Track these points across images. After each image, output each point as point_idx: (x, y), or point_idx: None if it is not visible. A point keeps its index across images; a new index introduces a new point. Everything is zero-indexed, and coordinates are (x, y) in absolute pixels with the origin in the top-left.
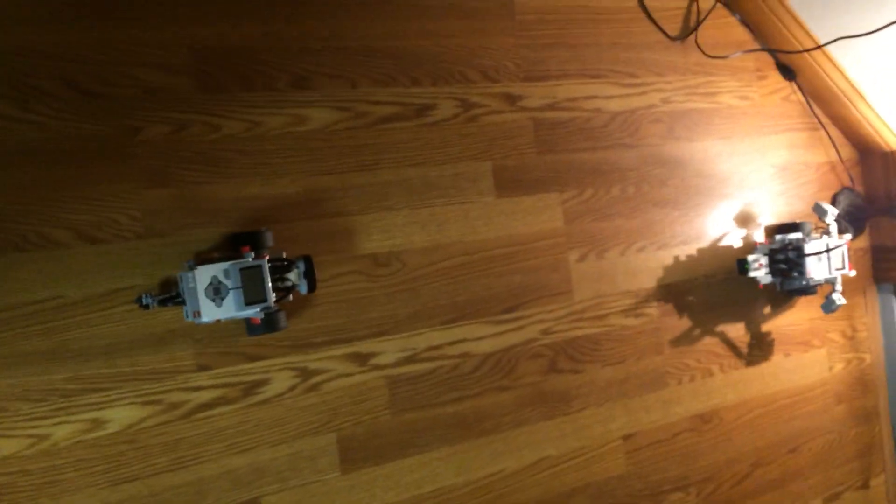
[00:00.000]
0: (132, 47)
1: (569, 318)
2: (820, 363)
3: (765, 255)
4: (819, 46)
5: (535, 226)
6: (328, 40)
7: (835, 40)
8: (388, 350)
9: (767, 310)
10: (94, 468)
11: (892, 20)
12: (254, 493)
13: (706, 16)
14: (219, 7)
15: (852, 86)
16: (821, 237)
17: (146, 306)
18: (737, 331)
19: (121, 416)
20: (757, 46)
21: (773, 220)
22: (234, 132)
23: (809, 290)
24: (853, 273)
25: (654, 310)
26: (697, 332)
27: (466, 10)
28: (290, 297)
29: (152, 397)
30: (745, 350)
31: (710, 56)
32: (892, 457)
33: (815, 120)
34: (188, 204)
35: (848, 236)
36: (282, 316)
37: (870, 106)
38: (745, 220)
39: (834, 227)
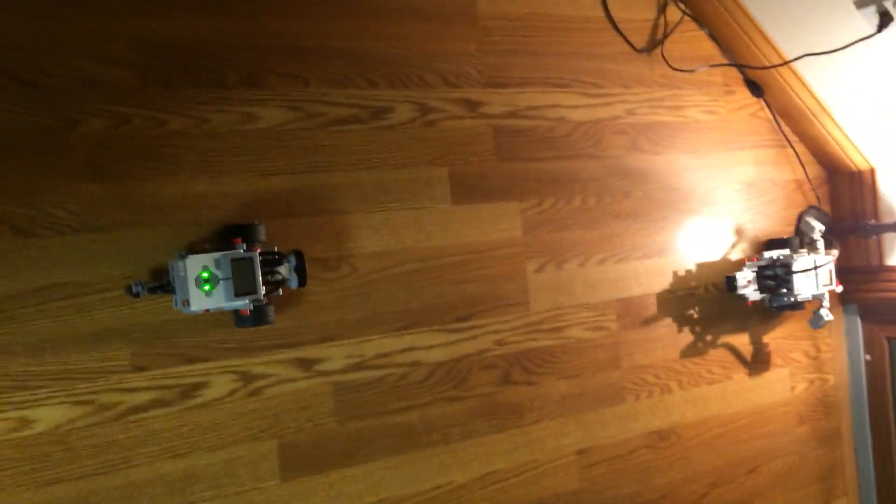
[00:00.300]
0: (75, 38)
1: (524, 329)
2: (782, 383)
3: (753, 271)
4: (786, 63)
5: (492, 234)
6: (283, 38)
7: (800, 57)
8: (335, 356)
9: (729, 327)
10: (19, 469)
11: (856, 38)
12: (188, 499)
13: (673, 28)
14: (167, 0)
15: (819, 104)
16: (808, 253)
17: (136, 294)
18: (698, 348)
19: (49, 415)
20: (724, 61)
21: (737, 237)
22: (180, 128)
23: (797, 305)
24: (840, 289)
25: (612, 323)
26: (657, 347)
27: (428, 13)
28: (280, 291)
29: (84, 397)
30: (705, 367)
31: (676, 69)
32: (854, 480)
33: (783, 137)
34: (128, 200)
35: (835, 252)
36: (270, 309)
37: (837, 125)
38: (708, 235)
39: (821, 243)
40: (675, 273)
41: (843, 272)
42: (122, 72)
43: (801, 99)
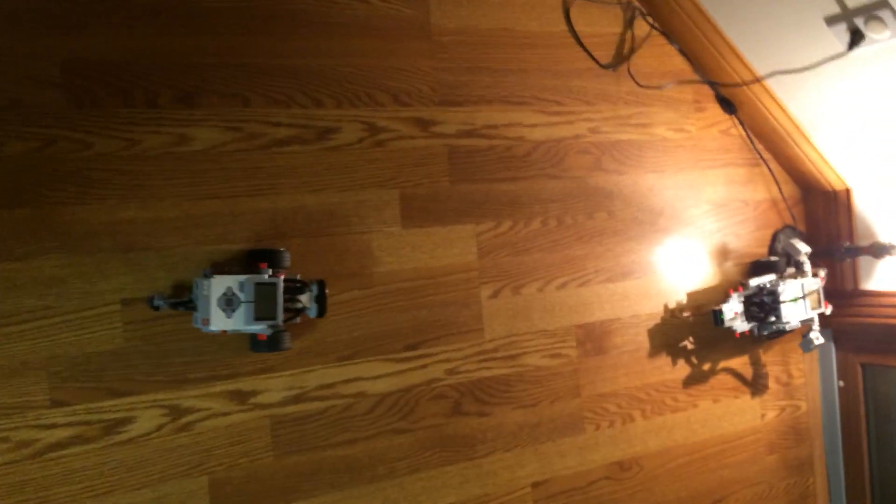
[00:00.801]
0: None
1: (478, 357)
2: (752, 410)
3: (740, 302)
4: (757, 80)
5: (444, 259)
6: (222, 56)
7: (771, 74)
8: (274, 388)
9: (695, 353)
10: None
11: (827, 57)
12: None
13: (640, 44)
14: (100, 17)
15: (793, 122)
16: (795, 276)
17: (156, 307)
18: (662, 374)
19: None
20: (695, 77)
21: (708, 259)
22: (109, 150)
23: (787, 332)
24: (829, 311)
25: (572, 350)
26: (619, 374)
27: (378, 29)
28: (298, 319)
29: None
30: (670, 395)
31: (643, 86)
32: None
33: (756, 155)
34: (52, 226)
35: (823, 273)
36: (287, 336)
37: (811, 143)
38: (676, 258)
39: (808, 266)
40: (639, 297)
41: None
42: (47, 92)
43: (774, 117)
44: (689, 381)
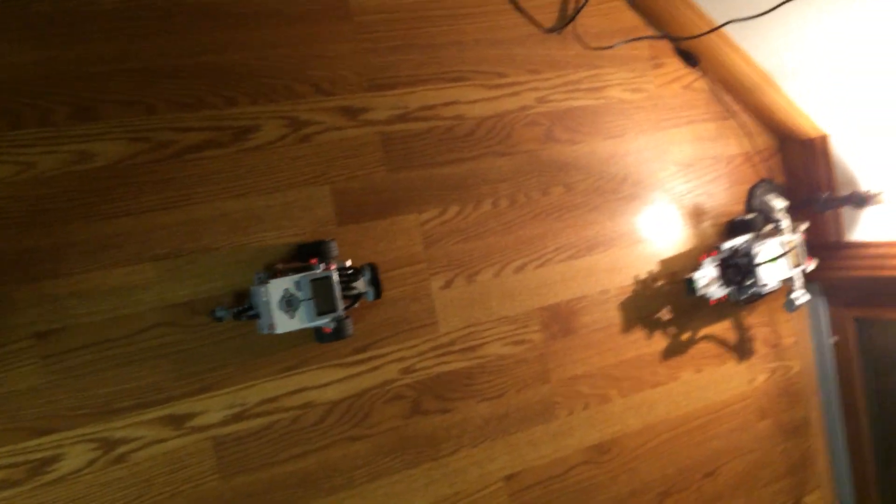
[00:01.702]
0: None
1: (434, 352)
2: (739, 376)
3: (715, 266)
4: (713, 30)
5: (388, 253)
6: (118, 62)
7: (726, 23)
8: (212, 408)
9: (673, 323)
10: None
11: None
12: None
13: (585, 2)
14: None
15: (759, 71)
16: (773, 235)
17: (219, 319)
18: (638, 349)
19: None
20: (649, 32)
21: (681, 222)
22: (2, 177)
23: (766, 294)
24: (812, 266)
25: (537, 335)
26: (591, 354)
27: (290, 15)
28: (357, 304)
29: None
30: (648, 369)
31: (591, 48)
32: (827, 472)
33: (725, 108)
34: None
35: (804, 227)
36: (349, 322)
37: (781, 91)
38: (644, 225)
39: (785, 222)
40: (607, 271)
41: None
42: None
43: (738, 67)
44: (669, 353)
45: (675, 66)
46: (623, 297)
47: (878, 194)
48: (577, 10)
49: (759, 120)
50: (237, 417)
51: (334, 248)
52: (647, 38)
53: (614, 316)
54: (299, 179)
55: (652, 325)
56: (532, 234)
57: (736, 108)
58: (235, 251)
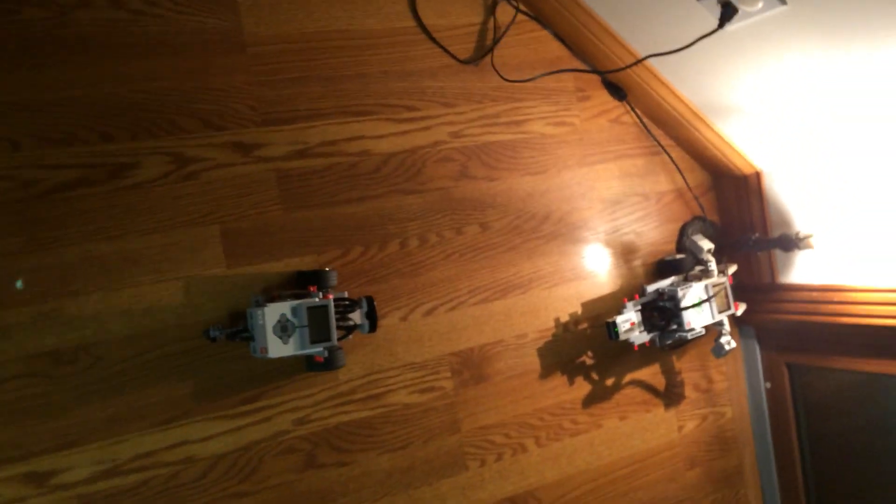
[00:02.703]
0: None
1: (332, 401)
2: (666, 423)
3: (637, 311)
4: (636, 63)
5: None
6: None
7: (647, 57)
8: (79, 464)
9: (596, 369)
10: None
11: (700, 35)
12: None
13: (504, 31)
14: None
15: (687, 105)
16: (701, 277)
17: (213, 339)
18: (557, 395)
19: None
20: (575, 64)
21: (606, 262)
22: None
23: (691, 340)
24: (740, 312)
25: (446, 382)
26: (505, 402)
27: (175, 46)
28: (351, 336)
29: None
30: (568, 417)
31: (511, 80)
32: None
33: (655, 143)
34: None
35: (732, 270)
36: (341, 354)
37: (710, 127)
38: (565, 266)
39: (713, 264)
40: (524, 315)
41: (735, 290)
42: None
43: (666, 101)
44: (591, 400)
45: (603, 98)
46: (542, 342)
47: (807, 238)
48: (496, 41)
49: (691, 155)
50: (107, 474)
51: (333, 278)
52: (570, 70)
53: (532, 361)
54: (183, 219)
55: (573, 370)
56: (444, 276)
57: (667, 142)
58: (108, 297)
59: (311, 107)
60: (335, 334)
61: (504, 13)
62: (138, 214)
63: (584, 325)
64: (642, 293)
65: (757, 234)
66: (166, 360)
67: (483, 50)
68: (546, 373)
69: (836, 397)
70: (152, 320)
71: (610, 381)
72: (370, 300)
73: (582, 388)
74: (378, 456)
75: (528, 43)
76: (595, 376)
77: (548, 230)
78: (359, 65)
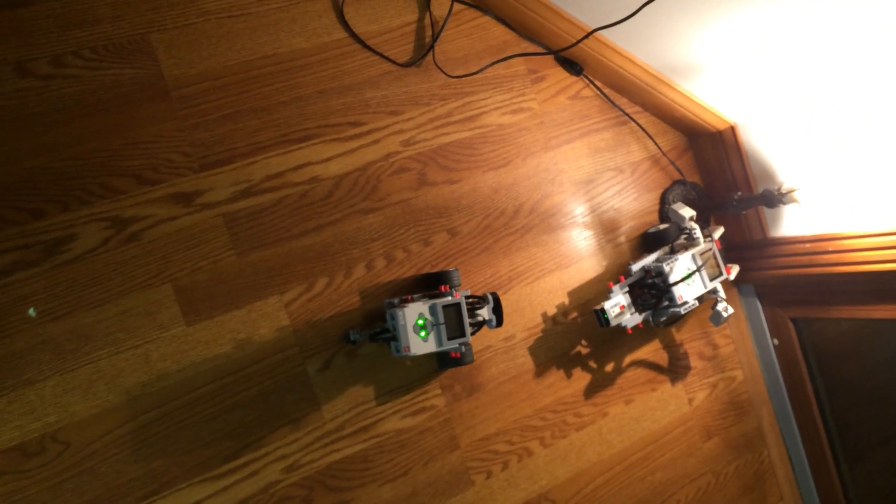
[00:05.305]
0: None
1: (321, 442)
2: (675, 398)
3: (625, 292)
4: (584, 38)
5: (251, 345)
6: None
7: (595, 30)
8: None
9: (592, 357)
10: None
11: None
12: None
13: (442, 26)
14: None
15: (646, 70)
16: (686, 248)
17: (353, 342)
18: (556, 392)
19: None
20: (523, 47)
21: (588, 246)
22: None
23: (685, 314)
24: (733, 275)
25: (437, 399)
26: (503, 409)
27: (92, 105)
28: (479, 330)
29: None
30: (571, 411)
31: (458, 75)
32: (789, 480)
33: (620, 112)
34: None
35: (718, 233)
36: (471, 350)
37: (674, 88)
38: (546, 256)
39: (697, 231)
40: (508, 314)
41: (728, 250)
42: None
43: (624, 69)
44: (592, 390)
45: (559, 76)
46: (532, 340)
47: (791, 192)
48: (436, 37)
49: (660, 118)
50: None
51: (457, 277)
52: (519, 55)
53: (525, 362)
54: (132, 284)
55: (569, 363)
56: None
57: (632, 110)
58: (66, 379)
59: (250, 142)
60: (469, 330)
61: (439, 6)
62: (83, 288)
63: (574, 315)
64: (628, 273)
65: (739, 193)
66: (138, 432)
67: (423, 49)
68: (541, 371)
69: (846, 342)
70: (115, 393)
71: (609, 367)
72: (495, 296)
73: (581, 379)
74: (378, 488)
75: (470, 33)
76: (593, 365)
77: (520, 224)
78: (293, 88)
